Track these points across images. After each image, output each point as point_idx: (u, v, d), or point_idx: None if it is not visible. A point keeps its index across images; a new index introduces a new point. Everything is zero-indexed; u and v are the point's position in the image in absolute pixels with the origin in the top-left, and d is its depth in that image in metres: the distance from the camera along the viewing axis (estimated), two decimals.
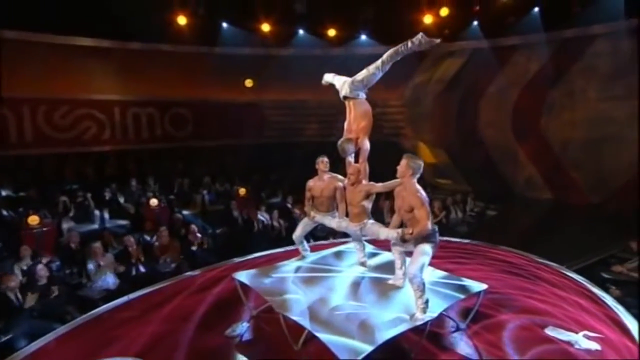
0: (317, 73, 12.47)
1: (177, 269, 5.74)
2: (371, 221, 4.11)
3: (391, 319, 3.30)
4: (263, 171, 12.00)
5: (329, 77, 4.70)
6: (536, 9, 8.28)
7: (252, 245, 6.65)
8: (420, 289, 3.37)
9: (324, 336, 3.04)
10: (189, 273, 5.62)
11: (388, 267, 4.45)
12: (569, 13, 8.19)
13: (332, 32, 10.41)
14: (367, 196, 4.04)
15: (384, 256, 4.82)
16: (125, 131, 10.84)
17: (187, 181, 9.85)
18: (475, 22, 9.36)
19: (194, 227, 6.48)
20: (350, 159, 4.27)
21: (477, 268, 5.60)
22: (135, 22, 9.11)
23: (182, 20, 9.22)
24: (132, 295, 4.89)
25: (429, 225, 3.47)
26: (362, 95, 4.22)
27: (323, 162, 4.43)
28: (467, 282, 4.08)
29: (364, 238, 4.54)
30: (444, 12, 8.28)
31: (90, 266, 5.14)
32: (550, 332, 3.92)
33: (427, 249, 3.52)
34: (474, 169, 11.61)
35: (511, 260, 6.02)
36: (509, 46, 10.16)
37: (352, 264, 4.58)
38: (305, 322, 3.25)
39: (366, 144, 4.17)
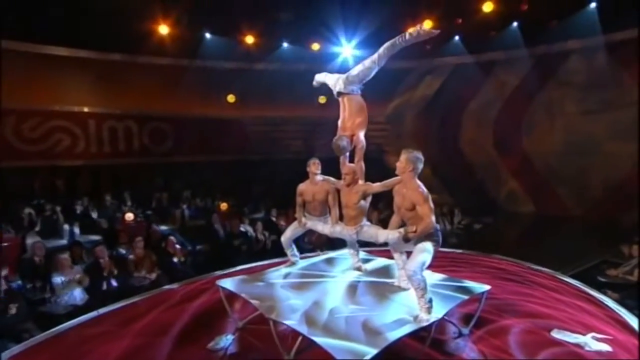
0: (301, 89, 12.44)
1: (154, 283, 5.28)
2: (368, 223, 3.87)
3: (394, 320, 3.02)
4: (245, 187, 11.66)
5: (320, 77, 4.55)
6: (515, 24, 8.54)
7: (235, 258, 6.27)
8: (421, 287, 3.11)
9: (322, 340, 2.72)
10: (167, 287, 5.18)
11: (385, 271, 4.21)
12: (546, 28, 8.46)
13: (316, 46, 10.40)
14: (364, 197, 3.80)
15: (379, 261, 4.57)
16: (101, 145, 10.37)
17: (166, 195, 9.39)
18: (457, 37, 9.57)
19: (172, 238, 6.06)
20: (345, 159, 4.05)
21: (472, 276, 5.36)
22: (115, 32, 8.87)
23: (163, 29, 9.01)
24: (102, 310, 4.42)
25: (433, 221, 3.26)
26: (357, 91, 4.05)
27: (315, 164, 4.19)
28: (469, 284, 3.87)
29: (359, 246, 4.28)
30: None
31: (56, 280, 4.64)
32: (556, 335, 3.75)
33: (428, 246, 3.30)
34: (457, 183, 11.62)
35: (505, 268, 5.92)
36: (489, 61, 10.42)
37: (346, 269, 4.30)
38: (300, 327, 2.93)
39: (362, 142, 3.97)
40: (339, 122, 4.10)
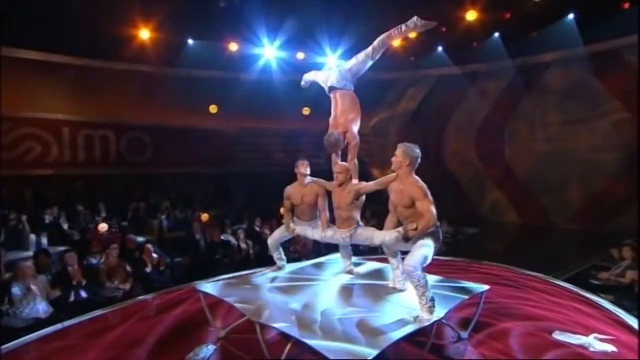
0: (285, 99, 12.24)
1: (128, 294, 4.87)
2: (362, 226, 3.63)
3: (394, 321, 2.78)
4: (227, 199, 11.29)
5: (309, 76, 4.38)
6: (497, 35, 8.72)
7: (217, 268, 5.91)
8: (422, 285, 2.90)
9: (317, 343, 2.44)
10: (142, 297, 4.78)
11: (378, 274, 3.98)
12: (526, 38, 8.67)
13: (301, 56, 10.34)
14: (358, 197, 3.57)
15: (371, 265, 4.35)
16: (75, 154, 9.88)
17: (144, 205, 8.94)
18: (440, 48, 9.70)
19: (149, 246, 5.66)
20: (337, 158, 3.84)
21: (466, 281, 5.27)
22: (93, 37, 8.57)
23: (144, 35, 8.76)
24: (68, 323, 4.00)
25: (435, 217, 3.05)
26: (350, 86, 3.87)
27: (303, 165, 3.96)
28: (467, 284, 3.69)
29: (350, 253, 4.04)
30: (412, 34, 8.47)
31: (16, 290, 4.18)
32: (559, 337, 3.60)
33: (428, 242, 3.09)
34: (442, 194, 11.55)
35: (498, 274, 5.82)
36: (472, 73, 10.59)
37: (337, 273, 4.04)
38: (292, 331, 2.64)
39: (357, 138, 3.78)
40: (331, 120, 3.90)
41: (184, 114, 11.24)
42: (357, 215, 3.61)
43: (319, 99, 12.71)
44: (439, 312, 2.95)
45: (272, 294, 3.37)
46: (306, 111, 12.17)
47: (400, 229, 3.20)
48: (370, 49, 3.76)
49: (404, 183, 3.21)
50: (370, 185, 3.55)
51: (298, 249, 6.81)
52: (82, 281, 4.68)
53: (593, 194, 9.96)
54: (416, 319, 2.84)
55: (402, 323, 2.75)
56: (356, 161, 3.78)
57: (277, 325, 2.72)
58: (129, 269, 5.24)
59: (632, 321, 3.98)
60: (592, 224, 9.70)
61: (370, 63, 3.84)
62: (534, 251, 8.47)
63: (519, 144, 10.95)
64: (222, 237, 6.74)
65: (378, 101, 12.28)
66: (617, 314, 4.21)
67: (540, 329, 3.76)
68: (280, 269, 4.16)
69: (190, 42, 9.34)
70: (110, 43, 8.95)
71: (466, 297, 3.38)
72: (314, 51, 10.17)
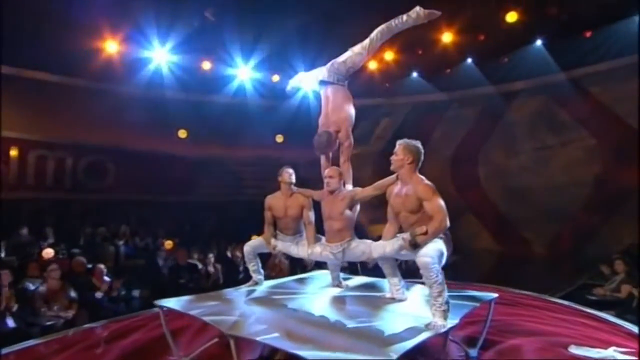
0: (260, 126, 11.83)
1: (70, 322, 4.06)
2: (356, 239, 3.13)
3: (404, 330, 2.28)
4: (194, 228, 10.49)
5: (295, 80, 4.07)
6: (469, 60, 8.95)
7: (179, 293, 5.14)
8: (439, 282, 2.46)
9: (312, 354, 1.89)
10: (87, 325, 3.98)
11: (371, 287, 3.51)
12: (497, 64, 8.95)
13: (276, 78, 10.16)
14: (352, 206, 3.13)
15: (361, 278, 3.87)
16: (23, 176, 8.91)
17: (102, 230, 8.04)
18: (415, 73, 9.83)
19: (101, 267, 4.88)
20: (327, 161, 3.45)
21: None
22: (54, 51, 7.99)
23: (111, 49, 8.29)
24: None
25: (447, 218, 2.63)
26: (343, 81, 3.54)
27: (287, 172, 3.54)
28: (474, 293, 3.30)
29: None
30: (389, 55, 8.53)
31: None
32: (576, 351, 3.25)
33: (440, 243, 2.65)
34: None
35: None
36: (446, 99, 10.74)
37: (323, 287, 3.50)
38: (280, 343, 2.07)
39: (350, 138, 3.40)
40: (320, 119, 3.53)
41: (150, 137, 10.61)
42: (351, 227, 3.15)
43: (293, 125, 12.38)
44: (452, 319, 2.48)
45: (250, 306, 2.78)
46: (279, 138, 11.84)
47: (405, 235, 2.71)
48: (367, 40, 3.44)
49: (408, 183, 2.81)
50: (366, 191, 3.11)
51: (273, 275, 6.16)
52: (12, 306, 3.83)
53: (566, 221, 10.00)
54: (428, 325, 2.35)
55: (414, 331, 2.25)
56: (349, 164, 3.39)
57: (262, 338, 2.14)
58: (73, 294, 4.42)
59: None
60: (568, 250, 9.67)
61: (365, 57, 3.54)
62: (518, 275, 8.26)
63: (492, 171, 11.02)
64: (189, 261, 5.99)
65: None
66: (626, 326, 3.93)
67: (552, 343, 3.44)
68: (256, 283, 3.58)
69: (161, 58, 8.90)
70: (71, 57, 8.37)
71: (477, 304, 2.95)
72: (289, 74, 10.01)
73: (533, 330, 3.75)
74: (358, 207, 3.22)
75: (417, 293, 3.26)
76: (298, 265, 6.57)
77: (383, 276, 3.16)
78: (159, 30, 8.24)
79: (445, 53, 8.29)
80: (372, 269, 6.37)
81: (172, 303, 2.92)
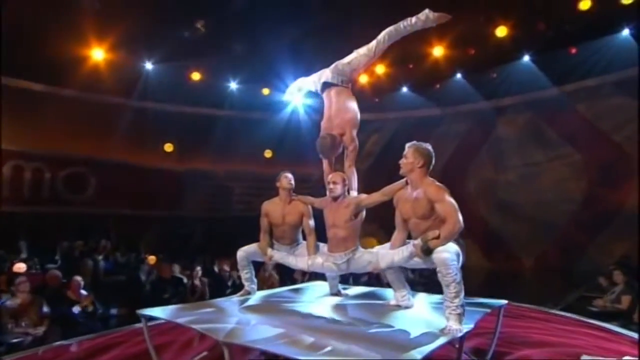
0: (249, 142, 11.61)
1: (41, 339, 3.68)
2: (361, 249, 2.92)
3: (416, 335, 2.06)
4: (178, 244, 10.07)
5: (294, 87, 3.87)
6: (459, 75, 9.05)
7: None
8: (457, 281, 2.31)
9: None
10: (59, 343, 3.61)
11: (373, 296, 3.30)
12: (486, 79, 9.07)
13: (266, 92, 10.05)
14: (357, 213, 2.92)
15: (358, 288, 3.65)
16: None
17: (80, 244, 7.61)
18: (405, 88, 9.88)
19: (78, 279, 4.51)
20: (330, 166, 3.27)
21: None
22: (35, 58, 7.72)
23: (97, 57, 8.06)
24: None
25: (460, 220, 2.47)
26: (348, 83, 3.39)
27: (286, 177, 3.33)
28: (483, 300, 3.12)
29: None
30: (380, 69, 8.54)
31: None
32: None
33: (454, 245, 2.49)
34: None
35: None
36: (434, 115, 10.80)
37: (321, 296, 3.26)
38: (284, 349, 1.83)
39: (355, 142, 3.24)
40: (323, 122, 3.34)
41: (135, 149, 10.29)
42: (356, 235, 2.94)
43: (283, 141, 12.16)
44: (467, 324, 2.29)
45: (245, 314, 2.52)
46: (268, 153, 11.64)
47: (416, 241, 2.53)
48: (373, 42, 3.30)
49: (418, 187, 2.64)
50: (373, 197, 2.91)
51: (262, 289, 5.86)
52: None
53: (555, 236, 10.00)
54: (444, 330, 2.15)
55: (429, 336, 2.04)
56: (354, 169, 3.23)
57: (266, 346, 1.89)
58: (46, 309, 4.04)
59: None
60: (556, 265, 9.64)
61: (371, 59, 3.38)
62: (510, 289, 8.13)
63: (481, 186, 11.03)
64: (174, 275, 5.65)
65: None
66: (633, 336, 3.80)
67: (563, 354, 3.29)
68: (249, 293, 3.31)
69: (149, 67, 8.71)
70: (53, 65, 8.11)
71: (488, 310, 2.77)
72: (279, 87, 9.94)
73: (542, 342, 3.58)
74: (364, 214, 3.00)
75: (422, 301, 3.07)
76: (288, 279, 6.29)
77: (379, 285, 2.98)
78: (147, 39, 8.08)
79: (436, 67, 8.35)
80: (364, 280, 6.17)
81: (157, 312, 2.64)
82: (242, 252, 3.27)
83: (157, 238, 9.93)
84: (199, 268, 5.85)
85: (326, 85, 3.37)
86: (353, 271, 2.99)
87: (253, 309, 2.68)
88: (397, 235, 2.81)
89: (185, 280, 5.69)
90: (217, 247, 8.99)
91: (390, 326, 2.25)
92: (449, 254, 2.30)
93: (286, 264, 3.20)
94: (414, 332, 2.12)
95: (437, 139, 11.36)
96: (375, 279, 5.84)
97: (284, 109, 10.75)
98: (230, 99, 10.26)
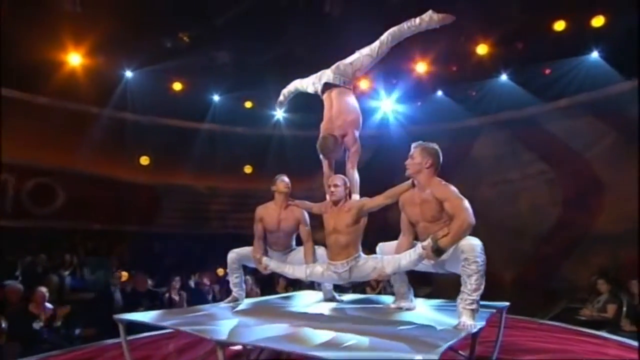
0: (228, 154, 11.32)
1: None
2: (363, 255, 2.77)
3: (432, 331, 1.92)
4: (152, 260, 9.56)
5: (290, 88, 3.75)
6: (440, 93, 9.25)
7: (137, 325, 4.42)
8: (481, 273, 2.21)
9: (340, 355, 1.48)
10: None
11: (368, 301, 3.15)
12: (465, 97, 9.32)
13: (249, 105, 9.92)
14: (360, 218, 2.80)
15: (352, 295, 3.49)
16: None
17: (44, 257, 7.05)
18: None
19: (42, 290, 4.10)
20: (330, 169, 3.17)
21: None
22: (3, 61, 7.31)
23: (74, 62, 7.74)
24: None
25: (471, 216, 2.35)
26: (349, 84, 3.31)
27: (283, 181, 3.20)
28: (484, 302, 2.96)
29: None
30: (364, 84, 8.59)
31: None
32: None
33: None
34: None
35: None
36: (414, 132, 10.89)
37: (315, 302, 3.07)
38: (295, 347, 1.63)
39: (357, 143, 3.14)
40: (323, 124, 3.24)
41: (108, 162, 9.83)
42: (359, 241, 2.80)
43: (263, 157, 11.92)
44: (479, 321, 2.17)
45: (240, 317, 2.30)
46: (248, 169, 11.41)
47: (424, 243, 2.40)
48: (376, 43, 3.25)
49: (426, 188, 2.54)
50: (376, 200, 2.80)
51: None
52: None
53: (533, 252, 10.15)
54: (457, 326, 2.03)
55: (443, 332, 1.90)
56: (356, 172, 3.11)
57: (274, 345, 1.68)
58: (3, 324, 3.63)
59: None
60: (536, 280, 9.74)
61: (374, 60, 3.32)
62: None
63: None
64: (150, 288, 5.27)
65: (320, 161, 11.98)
66: (627, 342, 3.81)
67: (565, 359, 3.18)
68: (236, 300, 3.07)
69: (128, 75, 8.44)
70: (25, 70, 7.72)
71: (493, 310, 2.67)
72: (262, 102, 9.85)
73: (541, 349, 3.51)
74: (366, 219, 2.87)
75: (422, 305, 2.94)
76: (271, 292, 6.03)
77: None
78: (127, 46, 7.85)
79: (419, 83, 8.52)
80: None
81: (139, 317, 2.37)
82: (233, 254, 3.05)
83: (129, 254, 9.41)
84: (177, 278, 5.49)
85: (327, 86, 3.28)
86: (356, 280, 2.80)
87: (247, 312, 2.46)
88: (402, 239, 2.69)
89: (161, 293, 5.31)
90: (190, 265, 8.59)
91: (401, 322, 2.10)
92: (478, 241, 2.20)
93: (282, 273, 3.00)
94: (427, 329, 1.97)
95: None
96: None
97: (265, 123, 10.62)
98: (211, 111, 10.05)
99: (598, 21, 6.91)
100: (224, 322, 2.10)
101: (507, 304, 2.97)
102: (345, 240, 2.72)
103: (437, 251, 2.28)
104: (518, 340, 3.85)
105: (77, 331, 5.15)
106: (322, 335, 1.74)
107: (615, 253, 7.65)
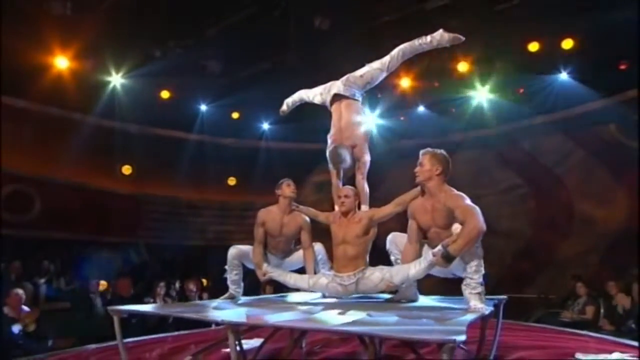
0: (212, 166, 11.20)
1: None
2: (370, 267, 2.76)
3: (446, 314, 1.98)
4: (132, 271, 9.24)
5: (295, 97, 3.75)
6: (421, 108, 9.50)
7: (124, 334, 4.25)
8: (480, 255, 2.32)
9: (379, 329, 1.50)
10: None
11: (368, 296, 3.10)
12: (446, 114, 9.61)
13: (236, 115, 9.90)
14: (369, 229, 2.80)
15: None
16: None
17: (17, 264, 6.71)
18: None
19: (19, 292, 3.89)
20: (338, 180, 3.19)
21: None
22: None
23: (59, 63, 7.53)
24: None
25: (482, 222, 2.34)
26: (359, 96, 3.37)
27: (289, 185, 3.17)
28: None
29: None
30: None
31: None
32: (583, 357, 3.22)
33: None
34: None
35: None
36: (396, 148, 11.04)
37: (315, 298, 3.04)
38: (315, 325, 1.63)
39: (367, 154, 3.17)
40: (331, 135, 3.27)
41: (89, 170, 9.55)
42: (367, 253, 2.81)
43: (247, 169, 11.82)
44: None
45: (244, 308, 2.26)
46: (231, 181, 11.30)
47: (435, 250, 2.38)
48: (387, 57, 3.29)
49: (436, 195, 2.54)
50: (386, 209, 2.79)
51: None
52: None
53: (509, 263, 10.38)
54: (469, 309, 2.12)
55: (457, 313, 1.95)
56: (366, 183, 3.12)
57: (280, 323, 1.68)
58: None
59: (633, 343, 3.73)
60: (513, 290, 9.92)
61: (383, 75, 3.37)
62: None
63: None
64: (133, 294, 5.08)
65: (306, 173, 11.90)
66: (614, 339, 4.03)
67: (558, 354, 3.39)
68: (233, 297, 2.99)
69: (115, 81, 8.31)
70: (5, 73, 7.48)
71: (491, 307, 2.71)
72: (250, 114, 9.87)
73: (534, 345, 3.66)
74: (375, 230, 2.88)
75: (423, 298, 2.97)
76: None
77: None
78: (115, 53, 7.76)
79: (402, 98, 8.76)
80: None
81: (138, 308, 2.29)
82: (234, 250, 3.00)
83: (109, 264, 9.07)
84: (162, 284, 5.31)
85: (336, 98, 3.34)
86: (362, 293, 2.77)
87: (250, 304, 2.42)
88: (409, 247, 2.65)
89: (146, 299, 5.12)
90: (172, 276, 8.37)
91: (414, 308, 2.15)
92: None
93: (283, 282, 2.91)
94: (443, 311, 2.05)
95: (396, 172, 11.62)
96: None
97: (252, 134, 10.62)
98: (198, 122, 9.98)
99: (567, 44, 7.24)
100: (231, 311, 2.06)
101: (505, 297, 3.02)
102: (353, 252, 2.73)
103: (447, 258, 2.28)
104: (509, 340, 3.92)
105: (50, 342, 4.90)
106: (343, 317, 1.73)
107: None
